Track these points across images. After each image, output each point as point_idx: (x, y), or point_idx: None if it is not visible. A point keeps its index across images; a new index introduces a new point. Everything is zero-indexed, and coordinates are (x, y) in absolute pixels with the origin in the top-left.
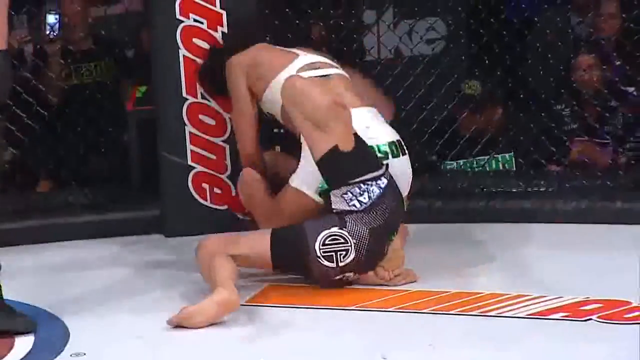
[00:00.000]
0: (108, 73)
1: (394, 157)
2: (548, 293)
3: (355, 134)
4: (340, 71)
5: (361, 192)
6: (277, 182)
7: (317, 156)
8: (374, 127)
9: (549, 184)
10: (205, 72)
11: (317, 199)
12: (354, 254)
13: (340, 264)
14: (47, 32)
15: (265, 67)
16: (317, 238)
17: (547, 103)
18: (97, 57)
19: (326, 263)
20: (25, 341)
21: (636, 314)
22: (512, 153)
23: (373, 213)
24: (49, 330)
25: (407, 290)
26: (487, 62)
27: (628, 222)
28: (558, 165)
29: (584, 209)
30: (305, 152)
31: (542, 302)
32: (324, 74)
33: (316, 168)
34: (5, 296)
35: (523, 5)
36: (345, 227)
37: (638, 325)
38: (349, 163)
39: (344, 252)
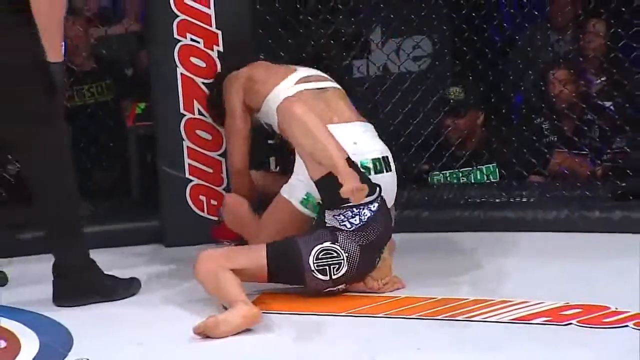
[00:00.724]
0: (109, 92)
1: (376, 173)
2: (530, 299)
3: (349, 159)
4: (335, 85)
5: (353, 215)
6: (266, 202)
7: (313, 177)
8: (362, 143)
9: (531, 195)
10: (210, 101)
11: (302, 209)
12: (346, 267)
13: (334, 277)
14: None
15: (262, 82)
16: (310, 252)
17: (527, 117)
18: (99, 77)
19: (320, 276)
20: (31, 347)
21: (614, 318)
22: (495, 164)
23: (363, 232)
24: (53, 336)
25: (395, 297)
26: (470, 77)
27: (606, 230)
28: (539, 176)
29: (564, 219)
30: (298, 163)
31: (524, 307)
32: (320, 86)
33: (306, 179)
34: (11, 303)
35: (505, 25)
36: (337, 242)
37: (616, 329)
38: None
39: (336, 266)
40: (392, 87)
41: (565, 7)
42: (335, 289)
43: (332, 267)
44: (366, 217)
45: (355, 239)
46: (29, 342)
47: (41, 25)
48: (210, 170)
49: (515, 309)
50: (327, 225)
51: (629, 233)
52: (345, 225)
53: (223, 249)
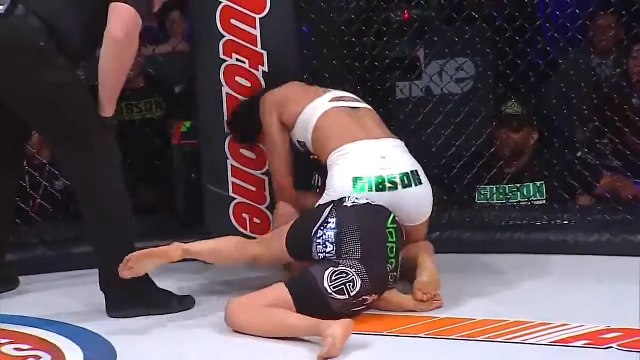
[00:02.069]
0: (158, 109)
1: (404, 187)
2: (570, 321)
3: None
4: (368, 106)
5: (323, 244)
6: None
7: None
8: (390, 158)
9: (572, 217)
10: (234, 119)
11: None
12: (359, 281)
13: (352, 294)
14: None
15: (295, 100)
16: (323, 278)
17: (571, 139)
18: (147, 95)
19: (339, 297)
20: None
21: None
22: (543, 183)
23: (347, 249)
24: (97, 350)
25: (435, 318)
26: (513, 100)
27: None
28: (587, 196)
29: (605, 242)
30: (329, 178)
31: (564, 330)
32: (353, 106)
33: (332, 191)
34: (56, 316)
35: (549, 48)
36: (340, 264)
37: None
38: (298, 236)
39: (351, 283)
40: (435, 109)
41: (608, 31)
42: (362, 306)
43: (347, 285)
44: (332, 235)
45: (348, 257)
46: (73, 356)
47: (104, 83)
48: (254, 189)
49: (555, 332)
50: (322, 260)
51: None
52: (324, 255)
53: (246, 296)
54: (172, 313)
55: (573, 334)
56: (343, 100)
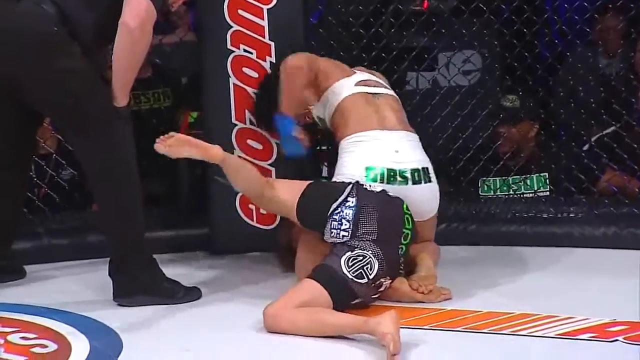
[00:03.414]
0: (165, 100)
1: (414, 183)
2: (576, 314)
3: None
4: (390, 92)
5: (339, 221)
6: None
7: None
8: (403, 152)
9: (578, 211)
10: (258, 104)
11: None
12: (377, 263)
13: (370, 277)
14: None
15: (328, 72)
16: (341, 265)
17: (577, 133)
18: (154, 85)
19: (360, 281)
20: (81, 350)
21: None
22: (547, 175)
23: (363, 228)
24: (103, 340)
25: (441, 309)
26: (520, 93)
27: None
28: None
29: (612, 235)
30: (339, 162)
31: (570, 323)
32: (375, 92)
33: (344, 178)
34: (62, 307)
35: (556, 41)
36: (356, 248)
37: None
38: (314, 206)
39: (368, 266)
40: (442, 101)
41: (615, 25)
42: (379, 292)
43: (364, 268)
44: (351, 214)
45: (362, 238)
46: (80, 345)
47: (117, 72)
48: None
49: (561, 325)
50: (334, 246)
51: None
52: (340, 234)
53: (281, 299)
54: (178, 304)
55: (579, 327)
56: (367, 85)
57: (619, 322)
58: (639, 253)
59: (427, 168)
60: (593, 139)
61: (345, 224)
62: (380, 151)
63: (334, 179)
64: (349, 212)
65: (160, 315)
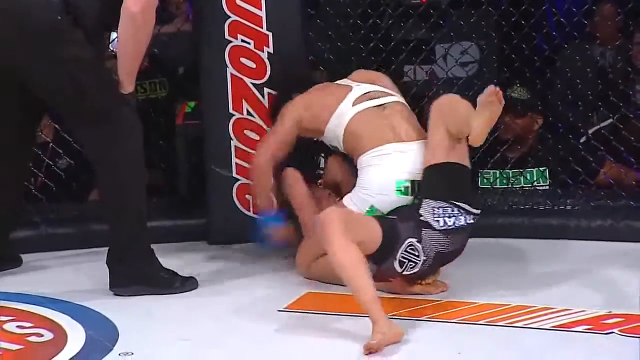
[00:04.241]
0: (162, 90)
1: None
2: (572, 306)
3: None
4: (396, 98)
5: (450, 215)
6: (336, 189)
7: (429, 162)
8: (419, 164)
9: (575, 203)
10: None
11: None
12: (418, 269)
13: (404, 273)
14: (112, 49)
15: (320, 105)
16: (404, 242)
17: (575, 126)
18: (151, 75)
19: (396, 266)
20: (77, 339)
21: None
22: (546, 168)
23: (445, 239)
24: (99, 329)
25: (437, 301)
26: (518, 84)
27: None
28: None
29: (608, 227)
30: (360, 178)
31: (566, 315)
32: (379, 103)
33: (372, 196)
34: (58, 296)
35: (554, 33)
36: (422, 242)
37: None
38: (459, 182)
39: (413, 264)
40: (439, 92)
41: (612, 18)
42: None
43: (409, 263)
44: (459, 224)
45: (435, 244)
46: (76, 335)
47: (122, 59)
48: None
49: (557, 316)
50: (420, 216)
51: None
52: (437, 221)
53: (341, 217)
54: (174, 294)
55: (574, 319)
56: (370, 98)
57: (615, 315)
58: (635, 245)
59: None
60: (590, 132)
61: (450, 222)
62: (406, 163)
63: (358, 193)
64: (461, 221)
65: (157, 305)
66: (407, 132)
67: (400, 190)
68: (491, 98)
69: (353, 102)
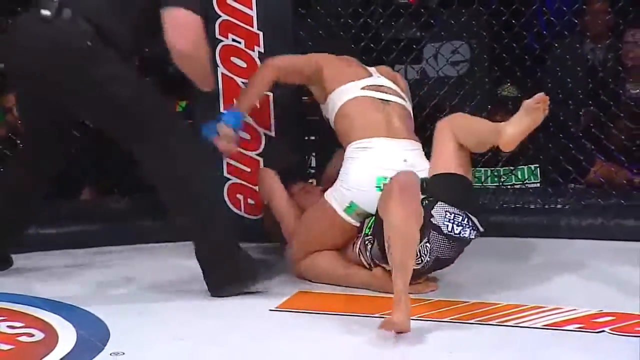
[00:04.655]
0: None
1: (422, 193)
2: (563, 305)
3: None
4: (403, 101)
5: (458, 223)
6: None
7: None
8: (410, 161)
9: (566, 202)
10: None
11: (345, 217)
12: (419, 268)
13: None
14: None
15: (338, 71)
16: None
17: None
18: (141, 74)
19: None
20: (68, 339)
21: None
22: (537, 165)
23: (448, 245)
24: (90, 329)
25: (428, 300)
26: (508, 83)
27: None
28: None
29: (599, 226)
30: (345, 170)
31: (557, 313)
32: (385, 98)
33: (353, 188)
34: (49, 296)
35: (544, 32)
36: (429, 243)
37: None
38: (473, 197)
39: (416, 264)
40: (430, 92)
41: (602, 16)
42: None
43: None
44: (463, 235)
45: (438, 248)
46: (67, 335)
47: (194, 77)
48: (249, 170)
49: (548, 315)
50: (431, 217)
51: None
52: (447, 225)
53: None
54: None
55: (565, 318)
56: (378, 90)
57: (606, 313)
58: (626, 244)
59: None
60: (580, 130)
61: (456, 229)
62: (390, 160)
63: (336, 186)
64: (466, 233)
65: (148, 304)
66: (400, 130)
67: (380, 187)
68: (537, 105)
69: (362, 86)
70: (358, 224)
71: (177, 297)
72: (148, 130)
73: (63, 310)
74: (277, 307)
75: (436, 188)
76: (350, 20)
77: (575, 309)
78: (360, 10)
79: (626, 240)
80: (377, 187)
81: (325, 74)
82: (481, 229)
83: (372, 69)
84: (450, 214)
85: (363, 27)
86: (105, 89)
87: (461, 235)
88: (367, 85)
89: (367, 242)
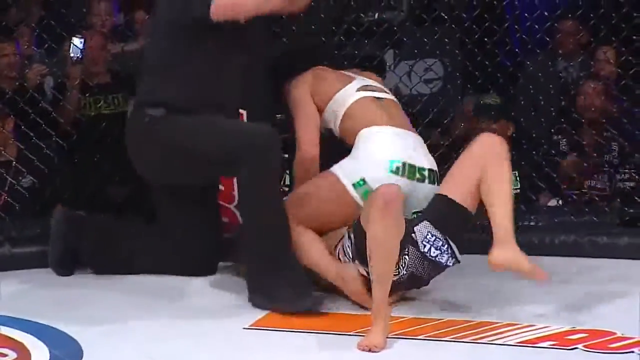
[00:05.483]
0: (125, 104)
1: (430, 182)
2: (536, 322)
3: None
4: (391, 96)
5: (438, 248)
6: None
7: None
8: (419, 151)
9: (539, 219)
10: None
11: (353, 192)
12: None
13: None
14: (72, 55)
15: (328, 82)
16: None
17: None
18: (114, 90)
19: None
20: (41, 357)
21: (620, 344)
22: (517, 172)
23: (423, 265)
24: (63, 348)
25: (402, 317)
26: (491, 90)
27: (613, 256)
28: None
29: (571, 243)
30: (356, 149)
31: (530, 330)
32: (378, 96)
33: (363, 167)
34: (22, 315)
35: (516, 50)
36: (407, 256)
37: (621, 354)
38: (462, 228)
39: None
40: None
41: (574, 35)
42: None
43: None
44: (439, 260)
45: (414, 265)
46: (39, 354)
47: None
48: (222, 187)
49: (522, 332)
50: (412, 232)
51: (636, 259)
52: (424, 245)
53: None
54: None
55: (539, 335)
56: (369, 90)
57: (579, 330)
58: (598, 261)
59: (437, 171)
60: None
61: (434, 253)
62: (401, 146)
63: (346, 161)
64: (444, 259)
65: (121, 323)
66: (403, 123)
67: (392, 170)
68: (533, 275)
69: (357, 88)
70: (361, 203)
71: (150, 315)
72: (228, 166)
73: (35, 330)
74: (250, 326)
75: (431, 207)
76: (324, 39)
77: (548, 326)
78: (334, 28)
79: (599, 257)
80: (389, 168)
81: (316, 90)
82: (459, 259)
83: (350, 72)
84: (432, 236)
85: (337, 46)
86: (174, 148)
87: (437, 259)
88: (360, 87)
89: (345, 239)
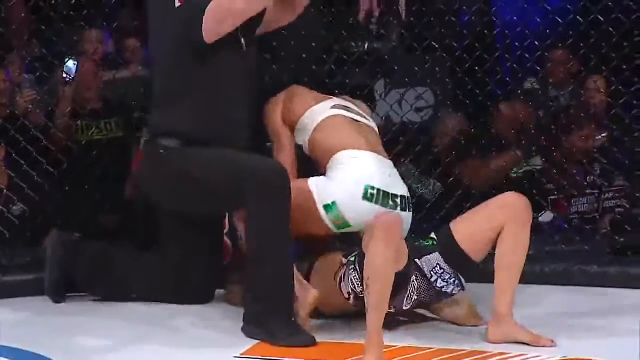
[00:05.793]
0: (118, 130)
1: (402, 210)
2: (527, 352)
3: None
4: (368, 122)
5: (445, 280)
6: None
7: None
8: (393, 177)
9: (529, 248)
10: None
11: (322, 213)
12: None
13: (404, 308)
14: (65, 76)
15: (300, 101)
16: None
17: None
18: (106, 116)
19: (405, 299)
20: None
21: None
22: None
23: (429, 293)
24: None
25: (393, 346)
26: (472, 129)
27: (603, 285)
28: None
29: (562, 272)
30: (334, 170)
31: None
32: (355, 119)
33: (334, 191)
34: (9, 344)
35: (507, 79)
36: (415, 282)
37: None
38: (467, 265)
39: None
40: (395, 137)
41: (564, 64)
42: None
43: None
44: (446, 290)
45: (419, 290)
46: None
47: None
48: None
49: None
50: (420, 257)
51: (626, 288)
52: (432, 276)
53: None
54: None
55: None
56: (347, 110)
57: None
58: (589, 289)
59: (409, 197)
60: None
61: (440, 284)
62: (376, 172)
63: (326, 181)
64: (449, 289)
65: (109, 350)
66: (380, 149)
67: (366, 196)
68: (538, 343)
69: (332, 106)
70: (331, 227)
71: (144, 343)
72: (238, 199)
73: (22, 358)
74: (241, 355)
75: (446, 245)
76: (314, 67)
77: (539, 355)
78: (325, 56)
79: (589, 286)
80: (364, 194)
81: (293, 103)
82: (465, 288)
83: (339, 98)
84: (440, 269)
85: (328, 74)
86: (184, 177)
87: (443, 289)
88: (336, 105)
89: (351, 270)
